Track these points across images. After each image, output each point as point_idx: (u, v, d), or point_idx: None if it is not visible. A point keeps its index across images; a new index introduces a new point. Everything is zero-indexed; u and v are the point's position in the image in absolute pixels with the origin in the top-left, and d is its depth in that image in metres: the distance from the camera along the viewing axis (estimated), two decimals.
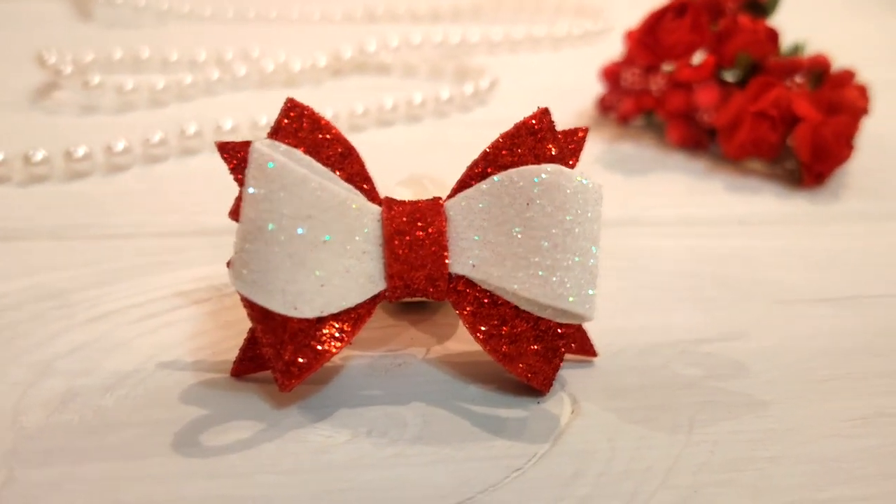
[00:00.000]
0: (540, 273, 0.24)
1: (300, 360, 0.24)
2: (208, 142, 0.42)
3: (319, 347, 0.24)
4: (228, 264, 0.25)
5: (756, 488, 0.23)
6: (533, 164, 0.25)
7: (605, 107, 0.47)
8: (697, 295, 0.31)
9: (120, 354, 0.27)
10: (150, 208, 0.36)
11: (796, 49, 0.44)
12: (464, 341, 0.28)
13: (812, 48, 0.45)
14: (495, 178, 0.25)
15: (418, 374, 0.27)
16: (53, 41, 0.53)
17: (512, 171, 0.24)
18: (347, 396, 0.25)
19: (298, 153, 0.24)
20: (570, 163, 0.26)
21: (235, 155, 0.25)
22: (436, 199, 0.25)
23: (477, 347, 0.28)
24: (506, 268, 0.24)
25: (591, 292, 0.24)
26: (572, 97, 0.50)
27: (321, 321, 0.24)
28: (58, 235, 0.34)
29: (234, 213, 0.25)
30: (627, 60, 0.45)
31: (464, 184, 0.25)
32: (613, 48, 0.51)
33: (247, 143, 0.25)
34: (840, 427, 0.25)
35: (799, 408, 0.26)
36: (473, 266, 0.25)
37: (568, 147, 0.26)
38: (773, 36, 0.41)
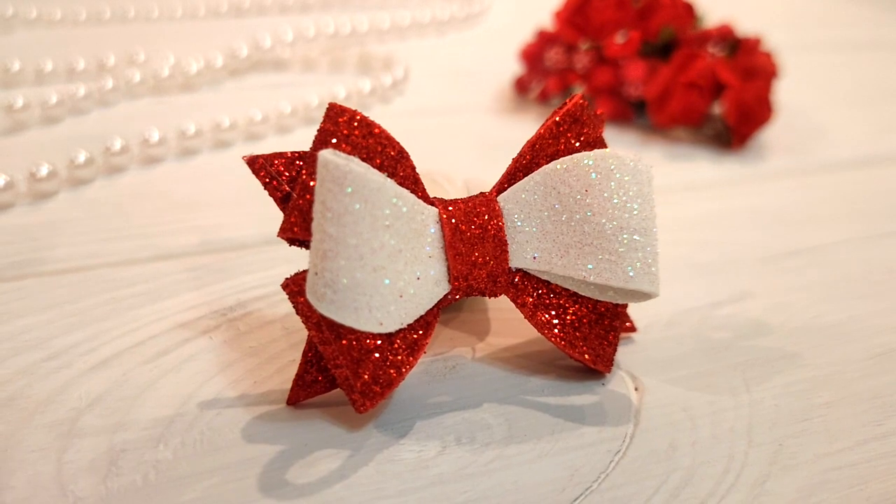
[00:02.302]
0: (608, 257, 0.24)
1: (381, 377, 0.23)
2: (135, 157, 0.39)
3: (397, 360, 0.23)
4: (285, 287, 0.23)
5: (828, 433, 0.24)
6: (579, 150, 0.25)
7: (522, 87, 0.48)
8: (687, 262, 0.33)
9: (150, 400, 0.24)
10: (97, 236, 0.33)
11: (697, 20, 0.47)
12: (503, 335, 0.28)
13: (712, 18, 0.48)
14: (547, 168, 0.24)
15: (475, 374, 0.26)
16: None
17: (565, 160, 0.24)
18: (417, 407, 0.24)
19: (357, 160, 0.22)
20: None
21: (268, 168, 0.23)
22: (486, 195, 0.25)
23: (519, 340, 0.27)
24: (570, 256, 0.24)
25: (654, 269, 0.24)
26: (485, 80, 0.50)
27: (392, 334, 0.23)
28: (3, 277, 0.30)
29: (287, 232, 0.23)
30: (544, 40, 0.46)
31: (512, 176, 0.25)
32: (497, 29, 0.52)
33: (279, 155, 0.24)
34: (866, 366, 0.27)
35: (825, 354, 0.28)
36: (535, 258, 0.24)
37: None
38: (689, 9, 0.44)
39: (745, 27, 0.48)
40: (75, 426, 0.23)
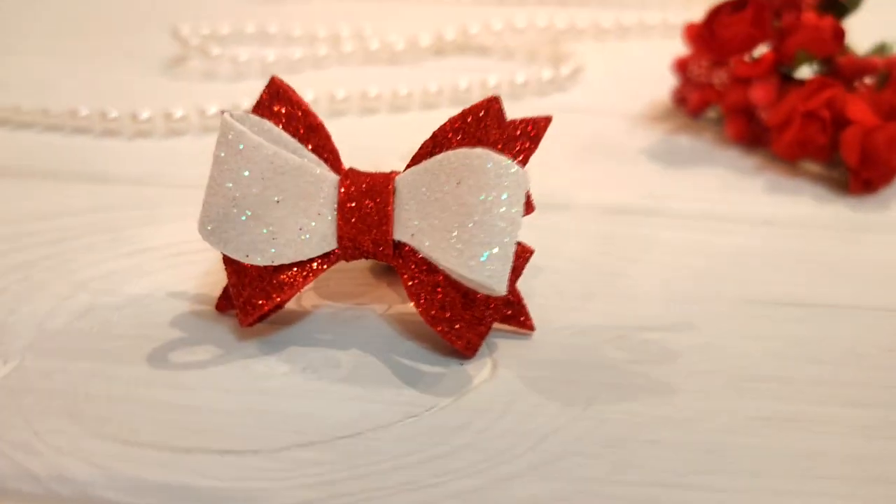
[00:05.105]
0: (458, 246, 0.26)
1: (255, 301, 0.28)
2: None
3: (273, 293, 0.28)
4: None
5: (620, 464, 0.24)
6: (473, 147, 0.27)
7: (678, 99, 0.47)
8: (670, 287, 0.32)
9: (142, 282, 0.32)
10: None
11: (882, 49, 0.42)
12: None
13: None
14: (436, 157, 0.27)
15: (370, 326, 0.30)
16: (196, 12, 0.61)
17: (449, 153, 0.27)
18: (302, 338, 0.29)
19: (268, 124, 0.28)
20: (518, 147, 0.28)
21: None
22: (388, 173, 0.28)
23: None
24: (434, 239, 0.27)
25: (504, 268, 0.26)
26: (651, 88, 0.50)
27: (278, 270, 0.28)
28: (141, 182, 0.40)
29: None
30: (697, 53, 0.45)
31: (416, 161, 0.28)
32: None
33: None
34: (737, 424, 0.26)
35: (707, 401, 0.26)
36: (412, 235, 0.28)
37: (524, 132, 0.28)
38: (839, 34, 0.40)
39: None
40: (84, 286, 0.32)
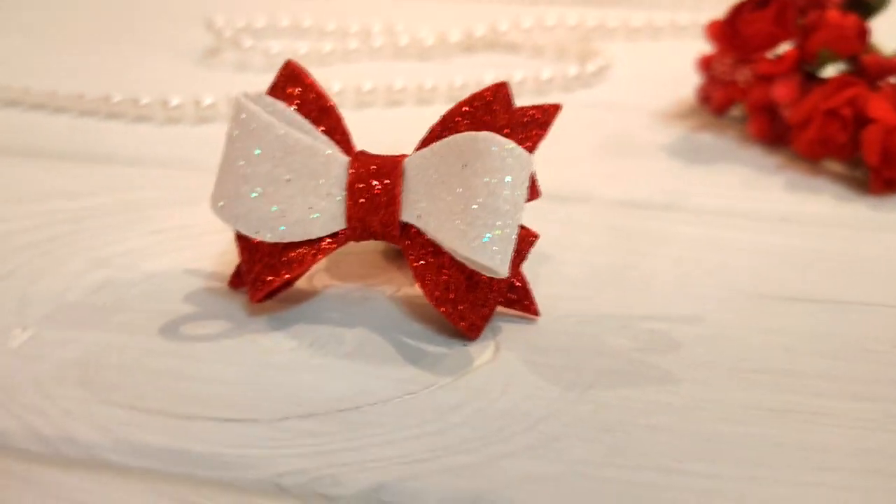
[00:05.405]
0: (462, 227, 0.27)
1: (265, 277, 0.29)
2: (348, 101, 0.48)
3: (282, 269, 0.29)
4: None
5: (616, 448, 0.24)
6: (478, 130, 0.28)
7: (703, 97, 0.47)
8: (684, 281, 0.32)
9: (160, 260, 0.33)
10: None
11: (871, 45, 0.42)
12: None
13: None
14: (444, 140, 0.28)
15: (379, 307, 0.30)
16: (233, 5, 0.62)
17: (457, 136, 0.27)
18: (310, 316, 0.30)
19: (282, 105, 0.28)
20: (527, 133, 0.28)
21: None
22: (397, 156, 0.29)
23: None
24: (440, 220, 0.27)
25: (506, 250, 0.26)
26: (677, 86, 0.50)
27: (288, 248, 0.29)
28: (168, 166, 0.41)
29: None
30: (720, 51, 0.45)
31: (424, 143, 0.29)
32: None
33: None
34: (738, 414, 0.25)
35: (710, 391, 0.26)
36: (419, 217, 0.28)
37: (533, 119, 0.28)
38: (862, 33, 0.40)
39: None
40: (103, 262, 0.33)
